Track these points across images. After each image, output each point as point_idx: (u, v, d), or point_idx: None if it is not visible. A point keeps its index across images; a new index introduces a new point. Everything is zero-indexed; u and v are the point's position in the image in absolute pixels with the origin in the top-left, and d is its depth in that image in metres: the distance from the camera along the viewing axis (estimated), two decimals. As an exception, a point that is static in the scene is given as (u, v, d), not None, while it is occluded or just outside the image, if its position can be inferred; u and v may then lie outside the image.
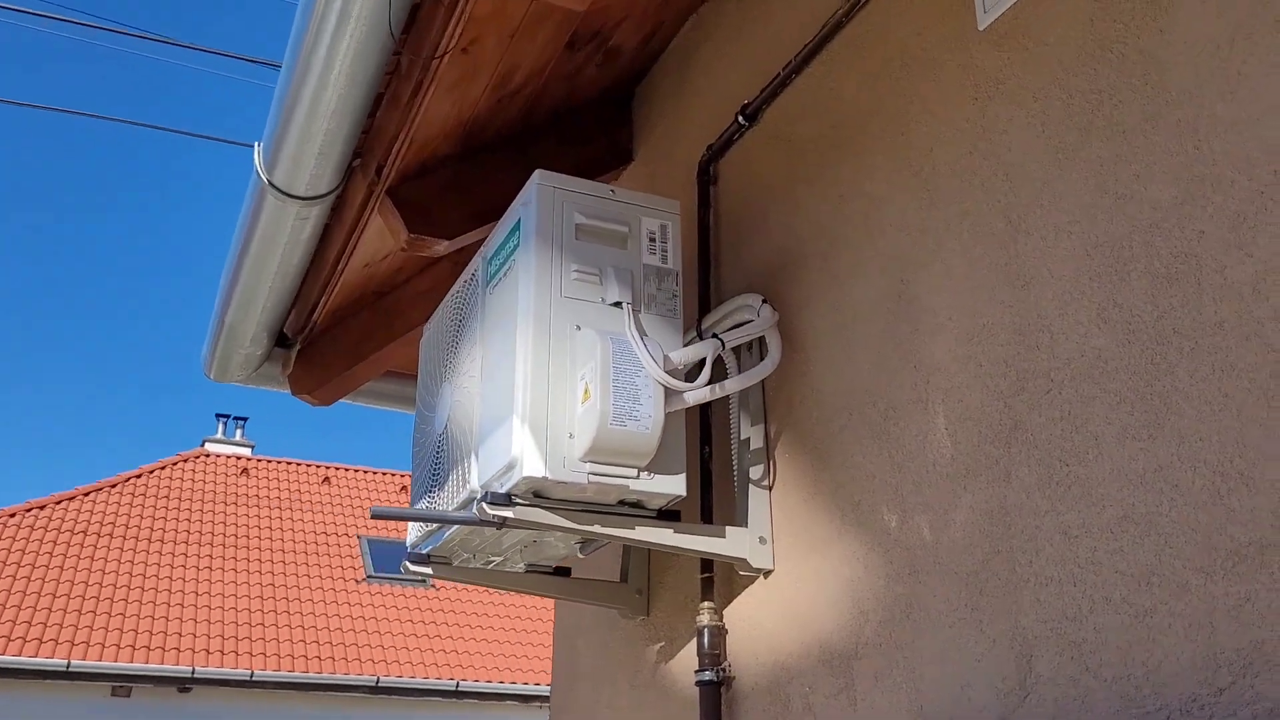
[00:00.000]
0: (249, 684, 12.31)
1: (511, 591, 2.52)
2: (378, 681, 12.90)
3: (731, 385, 2.01)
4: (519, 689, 13.54)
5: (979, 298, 1.68)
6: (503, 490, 1.92)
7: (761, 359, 2.15)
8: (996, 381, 1.62)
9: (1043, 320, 1.55)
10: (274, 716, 12.59)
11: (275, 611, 13.55)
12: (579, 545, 2.28)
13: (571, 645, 2.95)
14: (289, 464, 17.22)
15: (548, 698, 13.87)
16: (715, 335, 2.04)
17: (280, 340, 3.58)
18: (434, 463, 2.35)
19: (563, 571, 2.50)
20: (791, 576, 2.04)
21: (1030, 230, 1.60)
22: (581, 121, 3.02)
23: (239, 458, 16.72)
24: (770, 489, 2.14)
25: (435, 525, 2.30)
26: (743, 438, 2.19)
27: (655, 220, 2.13)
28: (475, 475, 2.08)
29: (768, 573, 2.10)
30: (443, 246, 2.80)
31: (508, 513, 1.92)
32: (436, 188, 2.82)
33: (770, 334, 2.09)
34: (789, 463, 2.10)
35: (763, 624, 2.10)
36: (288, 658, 12.84)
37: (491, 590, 15.17)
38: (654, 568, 2.55)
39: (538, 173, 2.07)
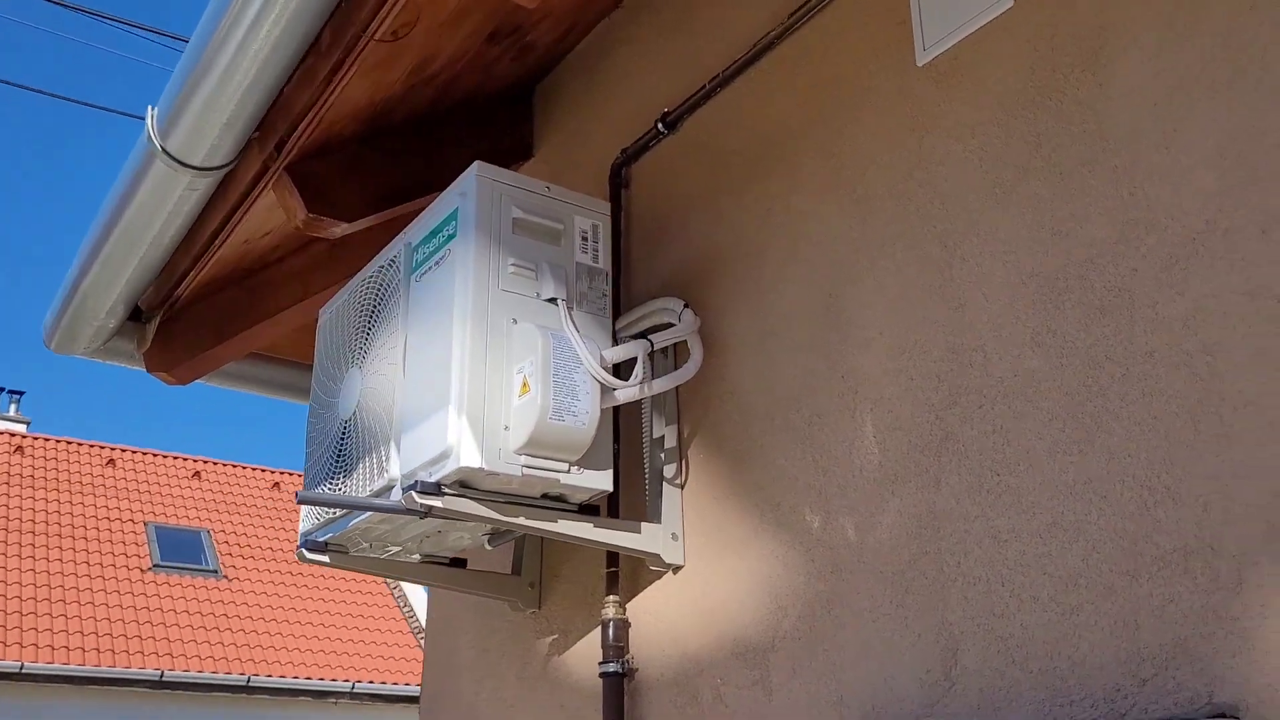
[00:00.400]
0: (19, 676, 11.52)
1: (407, 581, 2.50)
2: (161, 675, 12.31)
3: (659, 385, 2.07)
4: (314, 685, 13.18)
5: (912, 316, 1.80)
6: (431, 479, 1.92)
7: (677, 361, 2.23)
8: (928, 395, 1.74)
9: (976, 340, 1.68)
10: (48, 712, 11.81)
11: (50, 600, 12.72)
12: (487, 538, 2.29)
13: (448, 639, 2.94)
14: (69, 443, 16.20)
15: (342, 694, 13.59)
16: (645, 336, 2.10)
17: (133, 314, 3.41)
18: (337, 449, 2.31)
19: (458, 563, 2.50)
20: (701, 573, 2.12)
21: (965, 256, 1.73)
22: (486, 113, 3.01)
23: (12, 434, 15.62)
24: (682, 487, 2.21)
25: (337, 513, 2.27)
26: (655, 436, 2.26)
27: (587, 219, 2.17)
28: (395, 464, 2.06)
29: (677, 568, 2.17)
30: (340, 229, 2.75)
31: (436, 502, 1.92)
32: (337, 168, 2.76)
33: (692, 338, 2.16)
34: (702, 463, 2.18)
35: (669, 618, 2.17)
36: (63, 649, 12.08)
37: (288, 584, 14.73)
38: (548, 561, 2.58)
39: (477, 164, 2.08)
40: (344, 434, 2.29)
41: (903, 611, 1.69)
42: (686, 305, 2.20)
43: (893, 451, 1.77)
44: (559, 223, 2.12)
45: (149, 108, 2.57)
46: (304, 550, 2.32)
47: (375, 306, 2.29)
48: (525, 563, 2.58)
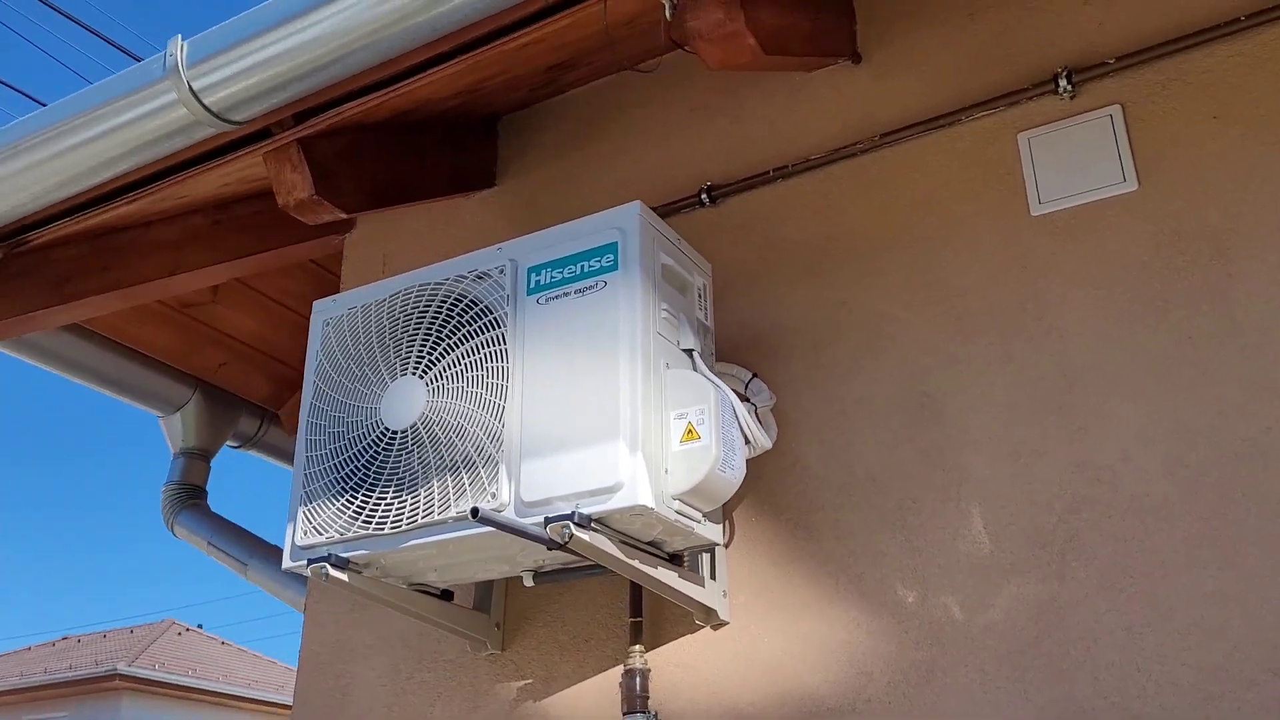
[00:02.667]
0: None
1: (392, 607, 2.29)
2: None
3: (757, 448, 2.17)
4: None
5: (1027, 430, 2.08)
6: (588, 511, 1.87)
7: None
8: (1049, 500, 2.02)
9: (1104, 460, 1.99)
10: None
11: None
12: (530, 573, 2.21)
13: (338, 674, 2.70)
14: None
15: None
16: (748, 399, 2.19)
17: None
18: (376, 460, 2.13)
19: (447, 595, 2.37)
20: (750, 630, 2.22)
21: (1087, 389, 2.05)
22: (460, 132, 2.92)
23: None
24: (726, 547, 2.30)
25: (361, 530, 2.09)
26: (701, 495, 2.33)
27: (700, 276, 2.24)
28: (507, 488, 1.97)
29: (719, 625, 2.25)
30: (330, 216, 2.54)
31: (585, 535, 1.87)
32: (340, 154, 2.55)
33: (767, 410, 2.29)
34: (753, 526, 2.29)
35: (704, 672, 2.23)
36: None
37: None
38: (515, 603, 2.51)
39: (639, 203, 2.08)
40: (393, 446, 2.12)
41: (1021, 685, 1.93)
42: (755, 375, 2.32)
43: (1007, 544, 2.03)
44: (689, 275, 2.17)
45: (177, 37, 2.25)
46: (327, 567, 2.09)
47: (450, 318, 2.17)
48: (493, 603, 2.49)
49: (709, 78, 2.78)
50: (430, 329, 2.19)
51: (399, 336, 2.23)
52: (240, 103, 2.25)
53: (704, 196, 2.61)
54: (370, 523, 2.10)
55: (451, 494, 2.03)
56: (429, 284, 2.24)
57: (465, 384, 2.10)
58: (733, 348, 2.45)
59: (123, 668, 17.47)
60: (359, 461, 2.17)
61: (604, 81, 2.95)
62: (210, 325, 3.46)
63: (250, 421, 3.80)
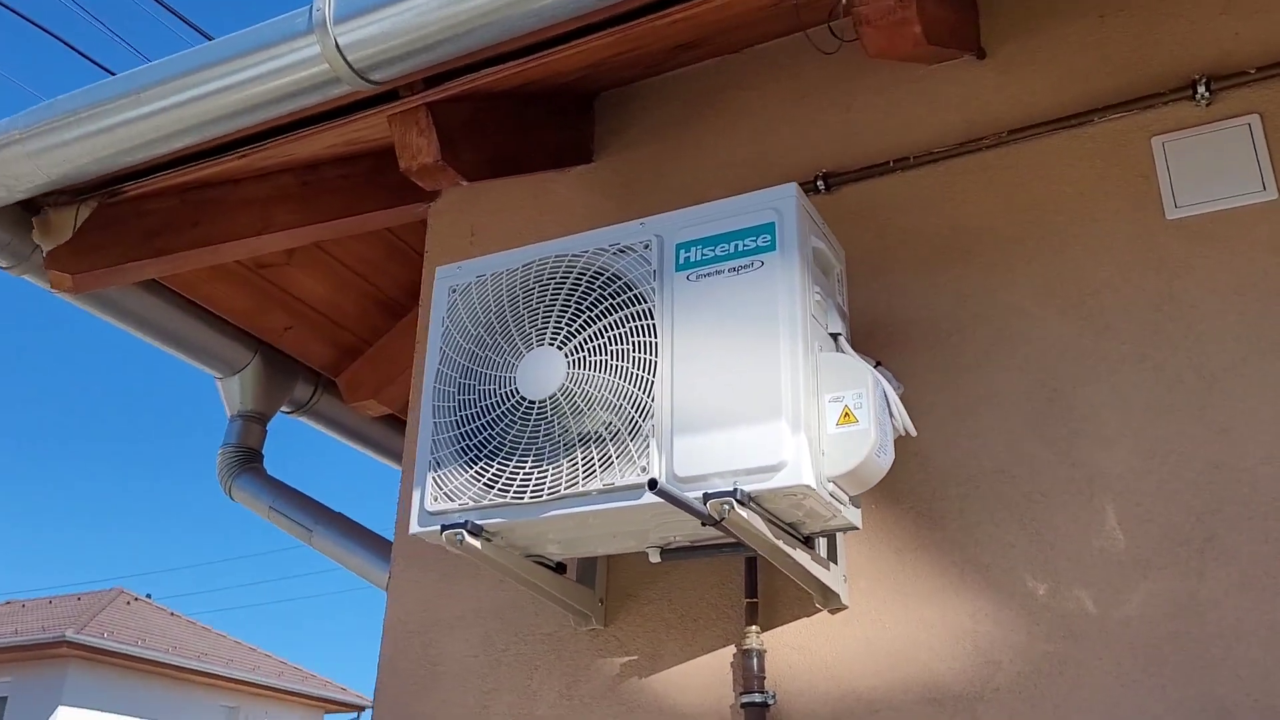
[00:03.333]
0: None
1: (506, 576, 2.28)
2: None
3: (902, 434, 2.17)
4: None
5: (1164, 429, 2.10)
6: (748, 489, 1.87)
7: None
8: (1186, 499, 2.05)
9: (1245, 463, 2.02)
10: None
11: None
12: (658, 549, 2.21)
13: (423, 641, 2.68)
14: None
15: None
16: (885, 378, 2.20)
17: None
18: (511, 429, 2.12)
19: (561, 568, 2.36)
20: (869, 615, 2.23)
21: (1228, 393, 2.08)
22: (561, 105, 2.90)
23: None
24: (844, 533, 2.31)
25: (497, 499, 2.08)
26: (821, 480, 2.34)
27: (839, 261, 2.25)
28: (658, 462, 1.97)
29: (836, 609, 2.26)
30: (449, 182, 2.52)
31: (744, 513, 1.87)
32: (460, 121, 2.53)
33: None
34: (870, 512, 2.30)
35: (821, 655, 2.24)
36: None
37: None
38: (618, 579, 2.50)
39: (795, 185, 2.08)
40: (530, 416, 2.11)
41: (1158, 681, 1.96)
42: (879, 363, 2.33)
43: (1143, 541, 2.05)
44: (834, 259, 2.18)
45: (325, -9, 2.22)
46: (464, 534, 2.08)
47: (591, 291, 2.16)
48: (597, 578, 2.48)
49: (815, 65, 2.79)
50: (569, 301, 2.18)
51: (534, 307, 2.21)
52: (383, 62, 2.22)
53: (820, 183, 2.61)
54: (508, 492, 2.09)
55: (597, 465, 2.02)
56: (566, 255, 2.22)
57: (609, 357, 2.09)
58: (852, 334, 2.45)
59: (70, 634, 17.18)
60: (493, 430, 2.15)
61: (709, 63, 2.94)
62: (281, 287, 3.42)
63: (305, 388, 3.76)
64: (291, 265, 3.35)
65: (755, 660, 2.24)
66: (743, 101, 2.87)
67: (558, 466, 2.06)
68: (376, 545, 3.19)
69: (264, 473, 3.51)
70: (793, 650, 2.28)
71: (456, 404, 2.22)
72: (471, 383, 2.22)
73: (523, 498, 2.07)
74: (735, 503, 1.85)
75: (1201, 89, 2.29)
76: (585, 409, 2.07)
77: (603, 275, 2.17)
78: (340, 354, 3.64)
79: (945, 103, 2.59)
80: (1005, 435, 2.24)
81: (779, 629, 2.30)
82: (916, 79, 2.65)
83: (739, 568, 2.37)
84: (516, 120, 2.69)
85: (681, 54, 2.76)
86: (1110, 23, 2.48)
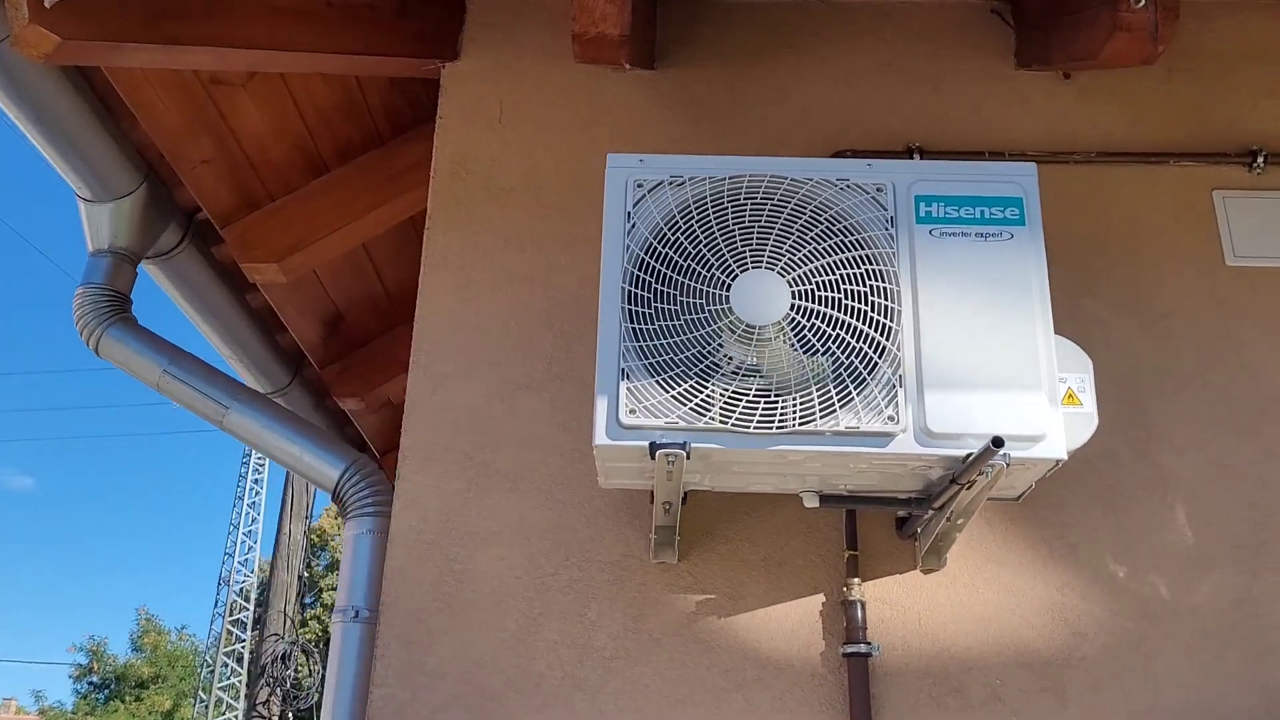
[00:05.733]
0: None
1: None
2: None
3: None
4: None
5: (1224, 446, 2.43)
6: (1007, 455, 1.91)
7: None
8: (1241, 510, 2.39)
9: (1289, 485, 2.40)
10: None
11: None
12: (815, 494, 2.17)
13: (445, 554, 2.39)
14: None
15: None
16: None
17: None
18: (713, 349, 1.98)
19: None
20: (964, 579, 2.35)
21: (1274, 419, 2.45)
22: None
23: None
24: (938, 498, 2.41)
25: (718, 426, 1.95)
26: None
27: (1005, 245, 2.33)
28: (907, 414, 1.95)
29: (930, 570, 2.36)
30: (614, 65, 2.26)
31: (981, 479, 1.93)
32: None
33: (1003, 377, 2.43)
34: (962, 483, 2.42)
35: (915, 611, 2.33)
36: None
37: None
38: (690, 514, 2.41)
39: (1034, 165, 2.13)
40: (750, 341, 1.98)
41: (1223, 662, 2.28)
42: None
43: (1206, 541, 2.36)
44: (1029, 244, 2.26)
45: None
46: (682, 454, 1.91)
47: (817, 222, 2.07)
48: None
49: (902, 38, 2.84)
50: (789, 227, 2.07)
51: (747, 225, 2.07)
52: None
53: (915, 155, 2.67)
54: (729, 418, 1.95)
55: (837, 405, 1.95)
56: (785, 178, 2.10)
57: (842, 295, 2.01)
58: (943, 310, 2.55)
59: None
60: (703, 349, 1.99)
61: (787, 1, 2.88)
62: (222, 113, 2.80)
63: (172, 234, 3.13)
64: (246, 90, 2.77)
65: (860, 611, 2.28)
66: (825, 52, 2.84)
67: (787, 400, 1.96)
68: (316, 434, 2.75)
69: (144, 328, 2.88)
70: (885, 605, 2.34)
71: (655, 312, 2.02)
72: (673, 292, 2.03)
73: (747, 427, 1.94)
74: (1004, 466, 1.89)
75: (1260, 160, 2.65)
76: (818, 344, 1.98)
77: (829, 209, 2.08)
78: (241, 204, 3.07)
79: (1033, 110, 2.76)
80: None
81: (871, 583, 2.35)
82: (1004, 79, 2.79)
83: (825, 516, 2.39)
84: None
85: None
86: (1178, 78, 2.79)
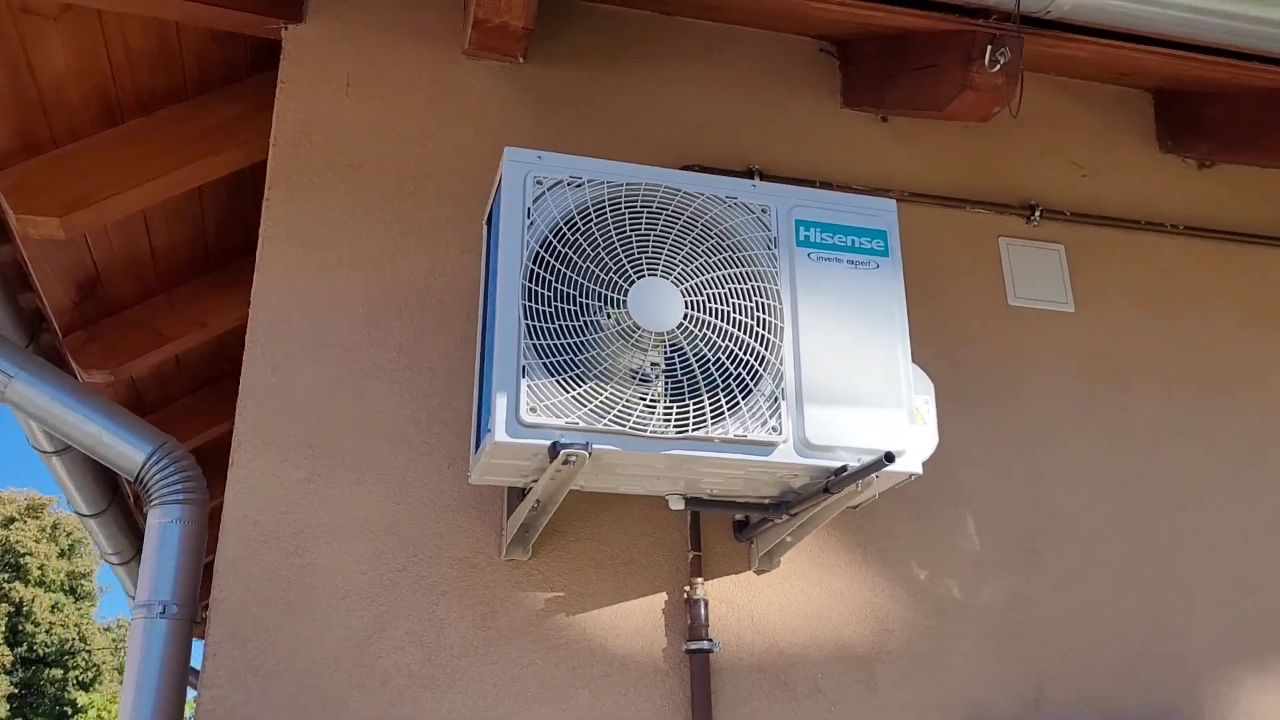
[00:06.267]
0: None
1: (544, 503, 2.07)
2: None
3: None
4: None
5: (1005, 463, 2.75)
6: (860, 463, 2.08)
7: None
8: (1019, 521, 2.71)
9: (1056, 500, 2.75)
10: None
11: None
12: (681, 497, 2.24)
13: (285, 548, 2.25)
14: None
15: None
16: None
17: None
18: (612, 353, 2.02)
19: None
20: (792, 580, 2.52)
21: (1045, 443, 2.80)
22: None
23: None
24: (770, 503, 2.56)
25: (605, 425, 2.00)
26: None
27: (850, 271, 2.52)
28: (789, 425, 2.07)
29: (763, 571, 2.51)
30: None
31: (855, 490, 2.09)
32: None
33: (832, 393, 2.63)
34: (790, 489, 2.60)
35: (750, 610, 2.47)
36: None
37: None
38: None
39: (894, 202, 2.32)
40: (645, 347, 2.04)
41: (1000, 654, 2.58)
42: (816, 360, 2.65)
43: (990, 548, 2.67)
44: (870, 272, 2.45)
45: None
46: (586, 456, 1.93)
47: (708, 236, 2.15)
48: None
49: (741, 59, 2.99)
50: (684, 238, 2.14)
51: (643, 232, 2.12)
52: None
53: (756, 178, 2.82)
54: (625, 421, 1.99)
55: (726, 413, 2.04)
56: (678, 190, 2.17)
57: (731, 308, 2.11)
58: (776, 326, 2.71)
59: None
60: (600, 351, 2.02)
61: (653, 15, 2.95)
62: (24, 46, 2.45)
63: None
64: (57, 24, 2.46)
65: (703, 609, 2.39)
66: (677, 67, 2.93)
67: (683, 406, 2.03)
68: (118, 413, 2.47)
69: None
70: (723, 603, 2.46)
71: (555, 311, 2.03)
72: (573, 292, 2.05)
73: (645, 430, 1.99)
74: (875, 479, 2.05)
75: (1036, 214, 3.02)
76: (708, 353, 2.07)
77: (719, 225, 2.17)
78: (20, 146, 2.72)
79: (855, 147, 2.98)
80: (898, 444, 2.70)
81: (710, 582, 2.47)
82: (831, 115, 3.00)
83: (669, 517, 2.49)
84: None
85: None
86: (971, 132, 3.11)
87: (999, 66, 2.35)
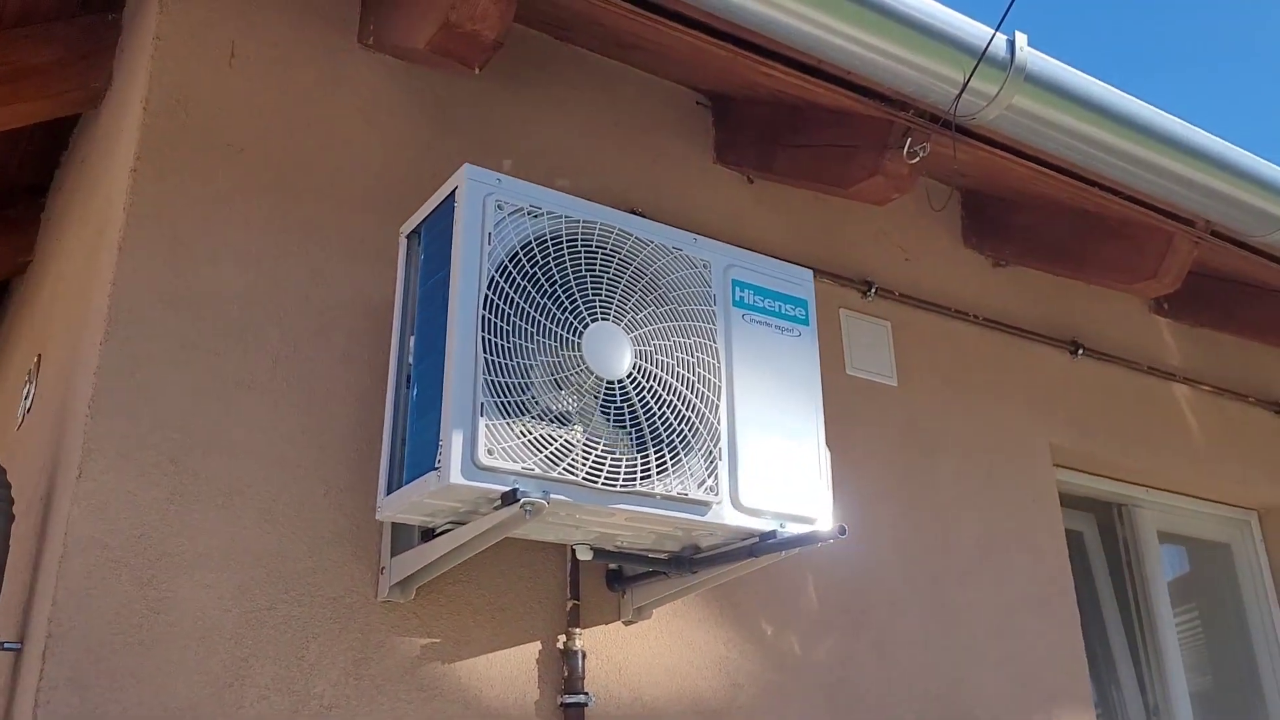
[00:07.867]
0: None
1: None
2: None
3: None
4: None
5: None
6: (791, 532, 2.12)
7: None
8: (848, 581, 2.85)
9: (876, 565, 2.93)
10: None
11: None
12: (589, 548, 2.17)
13: (139, 578, 1.94)
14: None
15: None
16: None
17: None
18: (567, 398, 1.94)
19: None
20: (657, 632, 2.51)
21: (873, 517, 2.97)
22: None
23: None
24: (639, 553, 2.54)
25: (569, 479, 1.92)
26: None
27: (745, 331, 2.55)
28: (726, 486, 2.07)
29: (631, 623, 2.48)
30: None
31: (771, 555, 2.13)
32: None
33: (704, 447, 2.65)
34: (657, 540, 2.59)
35: (618, 661, 2.42)
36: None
37: None
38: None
39: (811, 273, 2.38)
40: (599, 395, 1.97)
41: (832, 706, 2.70)
42: (690, 412, 2.67)
43: (825, 610, 2.79)
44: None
45: None
46: (545, 505, 1.81)
47: (657, 287, 2.12)
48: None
49: (627, 98, 2.97)
50: (635, 285, 2.08)
51: (598, 273, 2.04)
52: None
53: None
54: (577, 472, 1.90)
55: (670, 468, 2.00)
56: (631, 235, 2.12)
57: (675, 362, 2.08)
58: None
59: None
60: (556, 396, 1.92)
61: (541, 36, 2.85)
62: None
63: None
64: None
65: (579, 661, 2.32)
66: (571, 98, 2.85)
67: (632, 460, 1.97)
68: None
69: None
70: (592, 655, 2.40)
71: (514, 348, 1.90)
72: (532, 330, 1.93)
73: (595, 482, 1.92)
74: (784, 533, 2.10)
75: (871, 290, 3.21)
76: (656, 410, 2.03)
77: (667, 275, 2.14)
78: None
79: (724, 202, 3.04)
80: (751, 501, 2.77)
81: (589, 632, 2.40)
82: (704, 168, 3.04)
83: (547, 563, 2.41)
84: None
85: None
86: (818, 206, 3.26)
87: (916, 159, 2.48)
